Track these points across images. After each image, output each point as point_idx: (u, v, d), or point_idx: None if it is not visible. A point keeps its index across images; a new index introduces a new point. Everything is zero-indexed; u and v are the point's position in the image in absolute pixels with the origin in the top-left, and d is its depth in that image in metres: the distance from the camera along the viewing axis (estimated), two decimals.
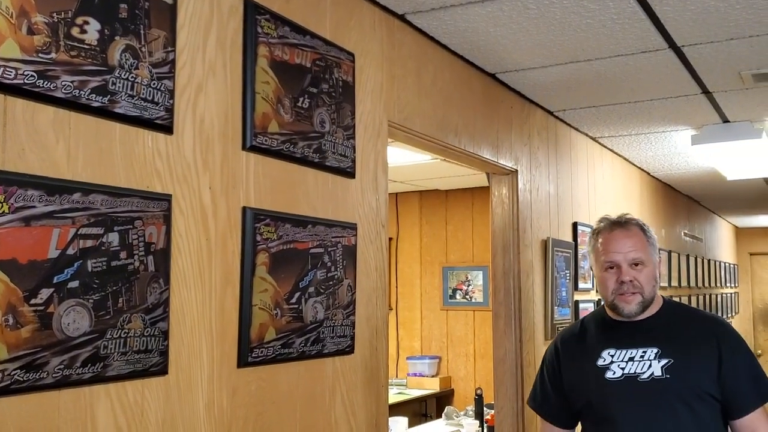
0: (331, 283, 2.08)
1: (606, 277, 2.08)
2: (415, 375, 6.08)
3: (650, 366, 2.01)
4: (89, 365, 1.40)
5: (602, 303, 2.18)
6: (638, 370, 2.02)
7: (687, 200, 6.99)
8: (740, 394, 2.02)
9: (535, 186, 3.48)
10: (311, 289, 2.00)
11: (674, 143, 4.52)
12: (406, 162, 4.64)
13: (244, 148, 1.82)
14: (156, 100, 1.57)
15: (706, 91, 3.38)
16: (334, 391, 2.09)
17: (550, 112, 3.71)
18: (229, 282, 1.75)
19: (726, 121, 3.96)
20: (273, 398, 1.86)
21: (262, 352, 1.82)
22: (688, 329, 2.09)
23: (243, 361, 1.77)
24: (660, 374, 2.00)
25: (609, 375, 2.05)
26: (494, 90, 3.14)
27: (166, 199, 1.60)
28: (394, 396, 5.69)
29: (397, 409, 5.24)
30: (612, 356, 2.06)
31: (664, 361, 2.01)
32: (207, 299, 1.69)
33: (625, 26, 2.54)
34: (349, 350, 2.15)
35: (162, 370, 1.56)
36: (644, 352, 2.03)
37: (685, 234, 6.80)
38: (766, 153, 4.33)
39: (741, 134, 3.96)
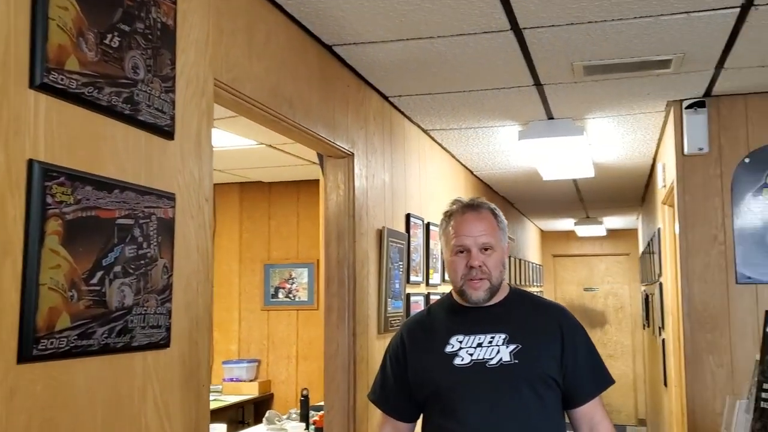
0: (142, 262, 1.73)
1: (456, 261, 2.03)
2: (231, 380, 5.69)
3: (499, 351, 1.98)
4: None
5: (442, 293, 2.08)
6: (487, 356, 1.97)
7: (503, 201, 7.22)
8: (580, 383, 2.04)
9: (371, 172, 3.29)
10: (117, 269, 1.64)
11: (500, 140, 4.56)
12: (226, 146, 4.28)
13: (32, 85, 1.43)
14: None
15: (538, 83, 3.38)
16: (145, 392, 1.74)
17: (386, 98, 3.55)
18: (7, 253, 1.36)
19: (551, 117, 4.03)
20: (66, 401, 1.48)
21: (52, 343, 1.44)
22: (535, 316, 2.09)
23: (26, 355, 1.38)
24: (509, 359, 1.97)
25: (457, 361, 1.98)
26: (331, 65, 2.91)
27: None
28: None
29: (212, 417, 4.84)
30: (460, 342, 2.01)
31: (512, 347, 1.98)
32: None
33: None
34: (164, 343, 1.81)
35: None
36: (492, 337, 2.00)
37: None
38: (583, 152, 4.49)
39: (563, 131, 4.06)
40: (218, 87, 2.12)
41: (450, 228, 2.06)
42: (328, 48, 2.86)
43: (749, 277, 3.48)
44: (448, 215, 2.09)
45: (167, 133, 1.85)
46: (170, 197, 1.85)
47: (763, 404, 2.28)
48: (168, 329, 1.82)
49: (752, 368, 2.96)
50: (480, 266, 1.99)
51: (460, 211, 2.07)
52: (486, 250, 2.01)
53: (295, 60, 2.60)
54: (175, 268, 1.86)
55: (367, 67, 3.09)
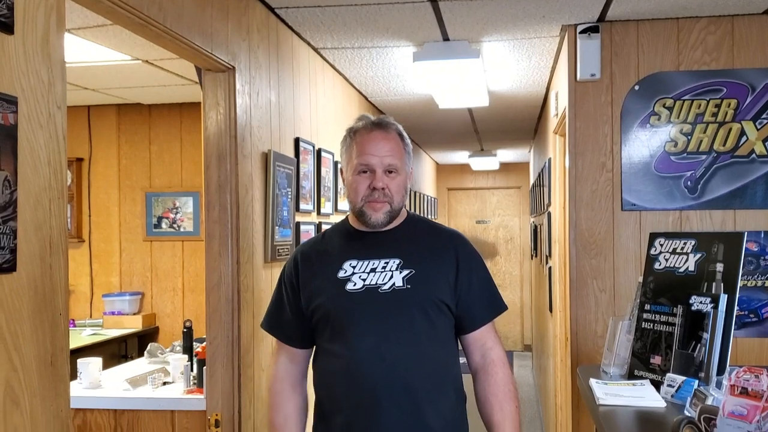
0: None
1: (358, 180, 1.95)
2: (112, 314, 5.41)
3: (392, 277, 1.92)
4: None
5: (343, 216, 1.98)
6: (380, 281, 1.91)
7: None
8: (473, 308, 2.01)
9: (255, 89, 3.07)
10: None
11: (395, 63, 4.41)
12: (97, 61, 3.91)
13: None
14: None
15: None
16: None
17: (272, 9, 3.30)
18: None
19: (446, 39, 3.91)
20: None
21: None
22: (430, 241, 2.03)
23: None
24: (401, 284, 1.91)
25: (349, 286, 1.92)
26: None
27: None
28: (87, 338, 5.01)
29: (91, 351, 4.60)
30: (353, 267, 1.94)
31: (405, 272, 1.93)
32: None
33: None
34: (9, 267, 1.59)
35: None
36: (386, 263, 1.94)
37: None
38: (479, 78, 4.40)
39: (459, 53, 3.95)
40: None
41: (354, 145, 1.96)
42: None
43: (634, 204, 3.54)
44: (353, 132, 1.99)
45: (4, 26, 1.59)
46: (11, 101, 1.60)
47: (644, 324, 2.31)
48: (13, 251, 1.61)
49: (633, 292, 3.01)
50: (383, 189, 1.93)
51: (367, 128, 1.97)
52: (390, 172, 1.94)
53: None
54: (20, 183, 1.63)
55: None
